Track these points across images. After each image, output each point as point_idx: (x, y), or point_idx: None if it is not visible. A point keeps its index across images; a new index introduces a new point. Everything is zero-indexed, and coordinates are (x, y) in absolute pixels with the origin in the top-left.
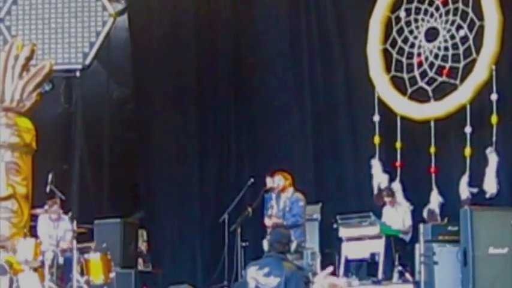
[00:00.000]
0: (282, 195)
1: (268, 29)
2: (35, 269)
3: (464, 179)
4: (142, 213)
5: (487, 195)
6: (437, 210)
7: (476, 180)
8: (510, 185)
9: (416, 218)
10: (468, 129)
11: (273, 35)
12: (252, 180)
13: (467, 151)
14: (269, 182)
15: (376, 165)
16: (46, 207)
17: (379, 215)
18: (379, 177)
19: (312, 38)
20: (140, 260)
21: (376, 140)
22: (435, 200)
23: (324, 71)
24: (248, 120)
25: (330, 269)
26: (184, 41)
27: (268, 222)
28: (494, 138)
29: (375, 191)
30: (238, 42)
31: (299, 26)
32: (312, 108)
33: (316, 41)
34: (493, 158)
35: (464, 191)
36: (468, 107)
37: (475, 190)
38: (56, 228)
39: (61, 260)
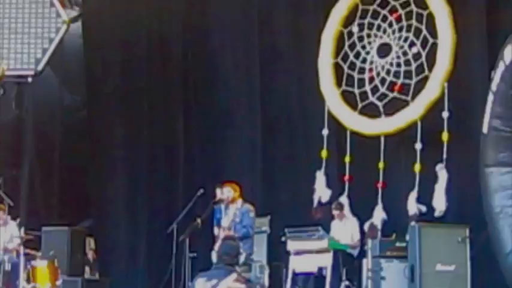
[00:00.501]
0: (231, 207)
1: (221, 42)
2: None
3: (413, 195)
4: (91, 221)
5: (436, 213)
6: (379, 226)
7: (425, 196)
8: (459, 203)
9: (364, 233)
10: (418, 146)
11: (226, 47)
12: (201, 190)
13: (417, 167)
14: (218, 193)
15: (320, 178)
16: None
17: (327, 229)
18: (321, 191)
19: (265, 50)
20: (87, 268)
21: (324, 153)
22: (379, 215)
23: (275, 84)
24: (200, 131)
25: None
26: (138, 51)
27: (218, 232)
28: (444, 156)
29: (315, 205)
30: (191, 53)
31: (252, 39)
32: (263, 121)
33: (269, 54)
34: (443, 175)
35: (412, 207)
36: (419, 123)
37: (423, 208)
38: (3, 234)
39: (8, 267)
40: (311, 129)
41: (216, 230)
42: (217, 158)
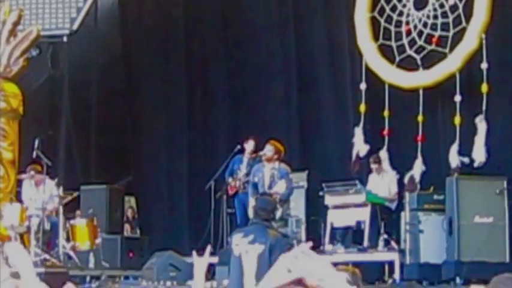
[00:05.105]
0: (267, 165)
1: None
2: (21, 235)
3: (454, 148)
4: (130, 179)
5: (476, 164)
6: (418, 178)
7: (466, 149)
8: (499, 154)
9: (402, 186)
10: (458, 98)
11: (261, 6)
12: (238, 147)
13: (457, 120)
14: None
15: (358, 133)
16: (32, 172)
17: (365, 183)
18: (359, 146)
19: (300, 6)
20: (127, 226)
21: (362, 108)
22: (418, 167)
23: (310, 39)
24: (235, 88)
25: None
26: (174, 9)
27: (232, 183)
28: (484, 107)
29: (353, 159)
30: (226, 11)
31: None
32: (298, 77)
33: (303, 9)
34: (482, 127)
35: (454, 159)
36: (457, 75)
37: (465, 159)
38: (42, 194)
39: (47, 226)
40: (348, 84)
41: (229, 179)
42: (254, 115)
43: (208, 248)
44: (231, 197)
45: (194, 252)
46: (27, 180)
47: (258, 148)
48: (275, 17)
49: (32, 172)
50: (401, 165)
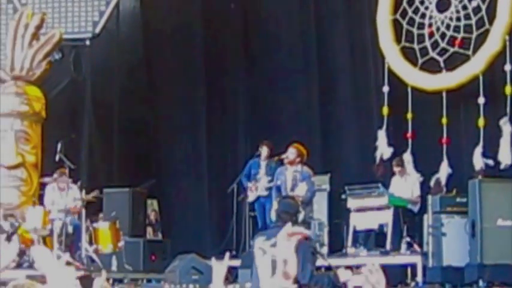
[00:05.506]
0: (289, 168)
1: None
2: (44, 238)
3: (478, 150)
4: (153, 182)
5: (502, 166)
6: (444, 181)
7: (490, 151)
8: None
9: (425, 189)
10: (481, 100)
11: (282, 8)
12: (260, 150)
13: (481, 122)
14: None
15: (381, 136)
16: (55, 175)
17: (387, 186)
18: (383, 149)
19: (321, 9)
20: (150, 229)
21: (385, 111)
22: (444, 170)
23: (332, 42)
24: (257, 90)
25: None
26: (194, 12)
27: (252, 187)
28: (508, 109)
29: (377, 162)
30: (247, 14)
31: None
32: (320, 79)
33: (325, 11)
34: (507, 129)
35: (478, 161)
36: (481, 77)
37: (490, 161)
38: (65, 198)
39: (70, 229)
40: (371, 87)
41: (249, 184)
42: (275, 117)
43: (228, 254)
44: (252, 203)
45: (213, 258)
46: (51, 184)
47: (273, 152)
48: (296, 19)
49: (55, 175)
50: (425, 167)
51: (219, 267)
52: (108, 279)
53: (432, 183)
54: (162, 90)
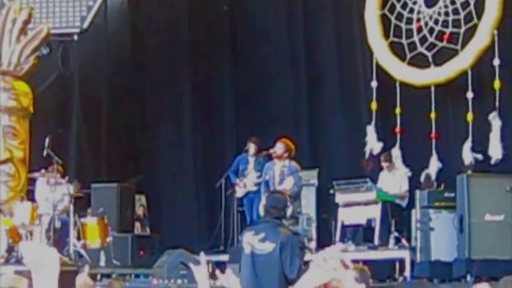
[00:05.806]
0: (277, 162)
1: None
2: (31, 232)
3: (468, 144)
4: (141, 177)
5: (492, 161)
6: (434, 176)
7: (479, 145)
8: (511, 151)
9: (414, 184)
10: (470, 95)
11: (269, 2)
12: (248, 146)
13: (470, 116)
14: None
15: (370, 131)
16: (43, 171)
17: (375, 181)
18: (372, 144)
19: (308, 4)
20: (138, 225)
21: (373, 106)
22: (434, 165)
23: (320, 36)
24: (244, 86)
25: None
26: (181, 7)
27: (240, 183)
28: (497, 104)
29: (366, 157)
30: (235, 9)
31: None
32: (308, 74)
33: (313, 5)
34: (496, 123)
35: (468, 156)
36: (469, 72)
37: (480, 156)
38: (53, 192)
39: (58, 224)
40: (359, 82)
41: (237, 180)
42: (263, 112)
43: (202, 253)
44: (240, 198)
45: (202, 253)
46: (41, 179)
47: (260, 149)
48: (284, 14)
49: (43, 170)
50: (414, 162)
51: (199, 270)
52: (95, 275)
53: (422, 178)
54: (149, 86)
